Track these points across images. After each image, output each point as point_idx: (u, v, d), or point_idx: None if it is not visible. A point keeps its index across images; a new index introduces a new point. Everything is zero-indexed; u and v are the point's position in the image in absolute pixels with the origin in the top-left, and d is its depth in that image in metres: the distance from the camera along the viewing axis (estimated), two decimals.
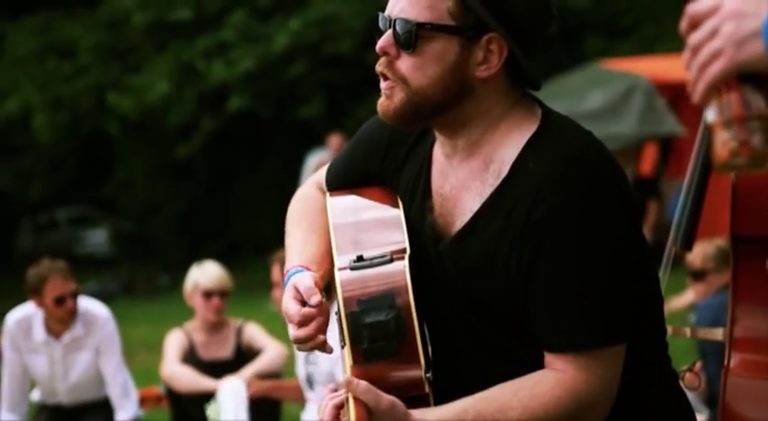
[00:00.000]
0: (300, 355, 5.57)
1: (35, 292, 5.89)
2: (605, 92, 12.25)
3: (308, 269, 2.31)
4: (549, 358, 2.14)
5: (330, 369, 5.29)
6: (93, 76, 20.00)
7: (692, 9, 1.60)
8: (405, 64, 2.18)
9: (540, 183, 2.11)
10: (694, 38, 1.59)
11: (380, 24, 2.22)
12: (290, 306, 2.24)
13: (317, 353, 5.72)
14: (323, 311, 2.24)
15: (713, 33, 1.57)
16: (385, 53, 2.21)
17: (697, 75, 1.58)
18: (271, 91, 19.03)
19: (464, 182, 2.23)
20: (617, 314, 2.12)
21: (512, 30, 2.16)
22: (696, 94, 1.59)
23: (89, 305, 6.11)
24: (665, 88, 12.50)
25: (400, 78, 2.19)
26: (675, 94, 12.70)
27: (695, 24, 1.60)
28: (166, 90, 18.84)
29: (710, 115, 1.57)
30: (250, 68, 18.41)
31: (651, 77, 12.43)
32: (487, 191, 2.19)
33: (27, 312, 6.03)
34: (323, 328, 2.24)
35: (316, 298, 2.22)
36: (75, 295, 5.94)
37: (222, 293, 6.17)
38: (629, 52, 15.94)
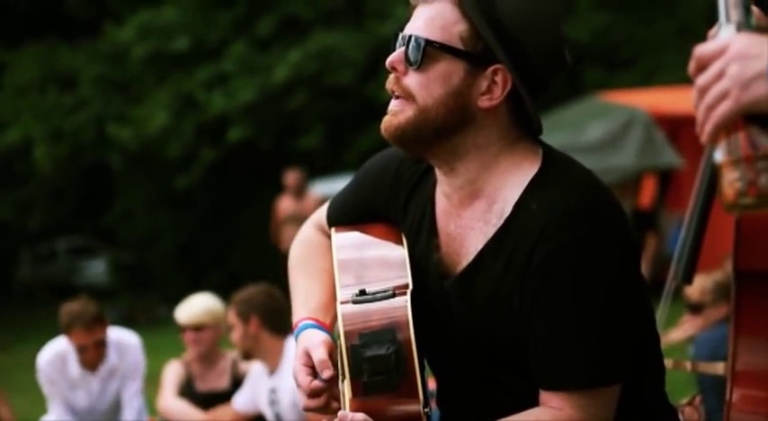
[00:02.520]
0: (263, 400, 5.61)
1: (65, 331, 5.91)
2: (604, 124, 12.29)
3: (316, 321, 2.33)
4: (546, 396, 2.15)
5: (293, 399, 5.35)
6: (94, 108, 20.04)
7: (698, 51, 1.62)
8: (411, 80, 2.21)
9: (542, 224, 2.12)
10: (701, 79, 1.61)
11: (397, 43, 2.24)
12: (300, 375, 2.26)
13: (278, 392, 5.75)
14: (333, 380, 2.25)
15: (720, 75, 1.58)
16: (393, 69, 2.23)
17: (705, 116, 1.60)
18: (271, 122, 19.07)
19: (468, 221, 2.24)
20: (614, 354, 2.13)
21: (521, 67, 2.18)
22: (704, 135, 1.60)
23: (120, 335, 6.12)
24: (663, 121, 12.53)
25: (407, 94, 2.21)
26: (674, 127, 12.73)
27: (702, 66, 1.61)
28: (166, 121, 18.88)
29: (718, 155, 1.59)
30: (250, 99, 18.45)
31: (650, 110, 12.47)
32: (491, 230, 2.20)
33: (59, 349, 6.01)
34: (333, 397, 2.24)
35: (328, 372, 2.22)
36: (99, 344, 5.92)
37: (196, 328, 6.10)
38: (629, 84, 15.99)
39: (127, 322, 17.64)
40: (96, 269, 24.99)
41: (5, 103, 20.55)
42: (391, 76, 2.24)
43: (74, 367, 5.97)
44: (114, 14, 20.45)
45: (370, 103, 17.09)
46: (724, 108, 1.57)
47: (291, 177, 13.13)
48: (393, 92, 2.24)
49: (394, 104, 2.23)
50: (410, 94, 2.21)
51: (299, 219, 11.75)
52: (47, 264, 25.29)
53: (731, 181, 1.57)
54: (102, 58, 20.21)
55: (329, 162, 18.61)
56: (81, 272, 25.00)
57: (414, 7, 2.26)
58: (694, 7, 17.38)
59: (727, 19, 1.67)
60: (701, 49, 1.62)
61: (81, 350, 5.89)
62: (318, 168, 17.81)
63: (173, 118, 18.98)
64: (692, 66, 1.62)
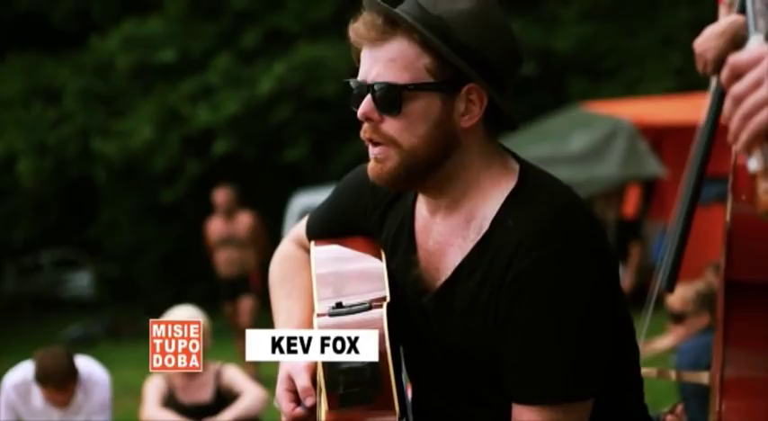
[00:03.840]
0: None
1: (35, 378, 5.80)
2: (588, 134, 12.31)
3: None
4: (518, 410, 2.14)
5: None
6: (79, 121, 20.00)
7: (733, 59, 1.60)
8: (391, 127, 2.17)
9: (518, 240, 2.11)
10: (737, 88, 1.59)
11: (355, 90, 2.21)
12: (283, 401, 2.25)
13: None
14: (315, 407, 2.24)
15: (757, 84, 1.57)
16: (368, 119, 2.20)
17: (740, 125, 1.58)
18: (256, 134, 19.05)
19: (447, 238, 2.24)
20: (588, 369, 2.12)
21: (488, 77, 2.16)
22: (739, 144, 1.59)
23: (90, 370, 5.98)
24: (647, 131, 12.56)
25: (390, 140, 2.18)
26: (658, 137, 12.78)
27: (737, 75, 1.60)
28: (151, 135, 18.84)
29: (753, 164, 1.58)
30: (235, 112, 18.43)
31: (634, 120, 12.50)
32: (468, 246, 2.19)
33: (26, 376, 5.90)
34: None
35: (311, 400, 2.22)
36: (64, 403, 5.83)
37: None
38: (613, 95, 16.02)
39: (111, 335, 17.62)
40: (81, 282, 24.91)
41: None
42: (366, 125, 2.20)
43: (37, 399, 5.87)
44: (99, 27, 20.42)
45: (355, 115, 17.07)
46: (761, 117, 1.56)
47: (221, 196, 11.44)
48: (371, 140, 2.20)
49: (378, 151, 2.20)
50: (392, 139, 2.18)
51: (230, 242, 11.17)
52: (31, 276, 25.20)
53: (767, 189, 1.57)
54: (87, 72, 20.17)
55: (314, 174, 18.59)
56: (66, 284, 24.93)
57: (358, 50, 2.23)
58: (678, 18, 17.44)
59: (756, 28, 1.66)
60: (736, 58, 1.60)
61: (48, 399, 5.81)
62: (303, 180, 17.80)
63: (158, 131, 18.94)
64: (725, 74, 1.61)
